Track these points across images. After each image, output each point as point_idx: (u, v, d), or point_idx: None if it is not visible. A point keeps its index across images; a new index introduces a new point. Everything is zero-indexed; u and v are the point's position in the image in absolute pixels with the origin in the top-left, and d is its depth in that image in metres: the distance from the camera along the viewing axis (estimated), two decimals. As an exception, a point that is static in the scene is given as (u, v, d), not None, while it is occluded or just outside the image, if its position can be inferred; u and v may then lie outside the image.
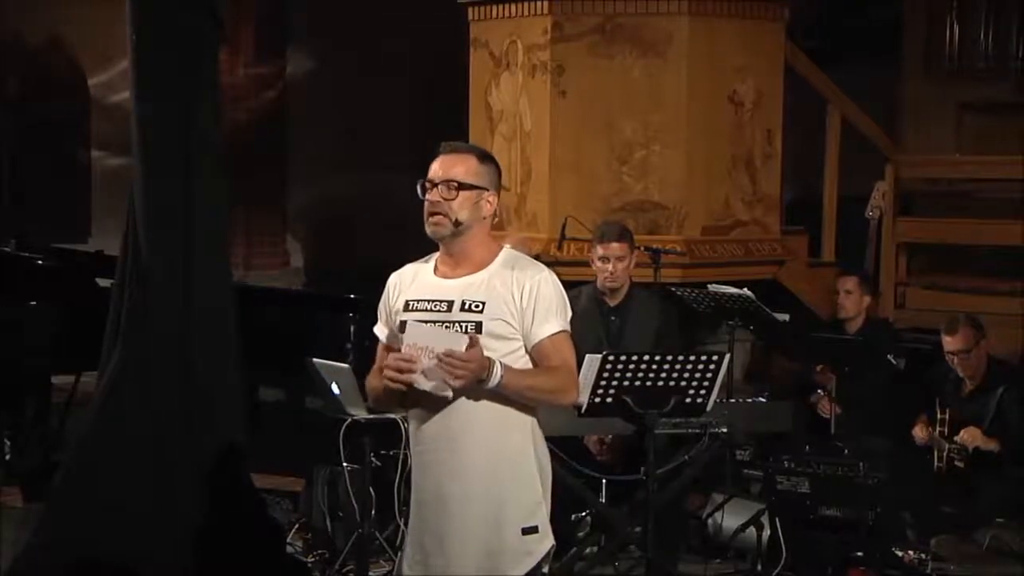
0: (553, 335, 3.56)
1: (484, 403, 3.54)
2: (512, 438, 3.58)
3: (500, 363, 3.49)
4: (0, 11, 9.84)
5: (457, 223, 3.56)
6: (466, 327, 3.54)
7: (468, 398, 3.53)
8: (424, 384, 3.48)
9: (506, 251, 3.65)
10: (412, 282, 3.67)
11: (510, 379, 3.50)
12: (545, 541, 3.59)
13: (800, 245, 7.95)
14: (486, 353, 3.48)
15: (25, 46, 10.08)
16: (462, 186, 3.56)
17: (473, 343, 3.44)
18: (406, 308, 3.63)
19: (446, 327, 3.54)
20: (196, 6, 5.27)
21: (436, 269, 3.66)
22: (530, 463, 3.59)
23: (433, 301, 3.61)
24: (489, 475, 3.55)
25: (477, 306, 3.56)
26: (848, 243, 8.08)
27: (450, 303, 3.58)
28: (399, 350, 3.52)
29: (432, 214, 3.58)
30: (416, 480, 3.66)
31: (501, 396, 3.53)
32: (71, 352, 6.69)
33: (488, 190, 3.59)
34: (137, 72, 5.27)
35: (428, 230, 3.60)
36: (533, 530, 3.57)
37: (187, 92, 5.25)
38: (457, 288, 3.60)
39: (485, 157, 3.63)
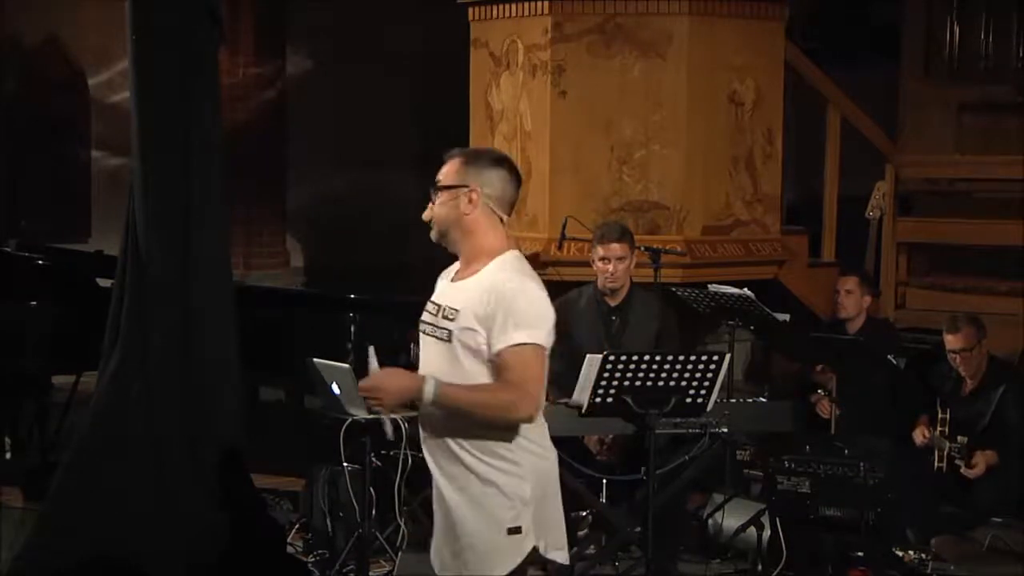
0: (514, 346, 3.45)
1: None
2: (496, 438, 3.54)
3: (435, 380, 3.46)
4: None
5: (440, 224, 3.60)
6: (442, 334, 3.56)
7: None
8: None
9: (503, 256, 3.58)
10: (440, 282, 3.72)
11: (448, 395, 3.47)
12: (527, 542, 3.55)
13: (800, 245, 7.95)
14: (451, 366, 3.51)
15: (24, 46, 10.07)
16: (441, 188, 3.60)
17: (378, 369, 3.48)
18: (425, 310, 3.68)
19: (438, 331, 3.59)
20: (195, 6, 5.27)
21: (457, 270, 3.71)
22: (514, 464, 3.55)
23: (434, 304, 3.63)
24: (476, 475, 3.55)
25: (452, 313, 3.55)
26: (848, 243, 8.09)
27: (440, 308, 3.59)
28: None
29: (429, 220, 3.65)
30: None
31: None
32: (71, 352, 6.69)
33: (466, 187, 3.57)
34: (137, 72, 5.27)
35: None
36: (517, 531, 3.54)
37: (187, 92, 5.26)
38: (450, 292, 3.61)
39: (473, 157, 3.63)
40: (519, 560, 3.56)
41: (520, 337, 3.45)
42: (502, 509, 3.54)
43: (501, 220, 3.61)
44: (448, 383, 3.49)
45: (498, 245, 3.60)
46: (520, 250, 3.70)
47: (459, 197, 3.58)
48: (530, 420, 3.52)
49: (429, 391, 3.46)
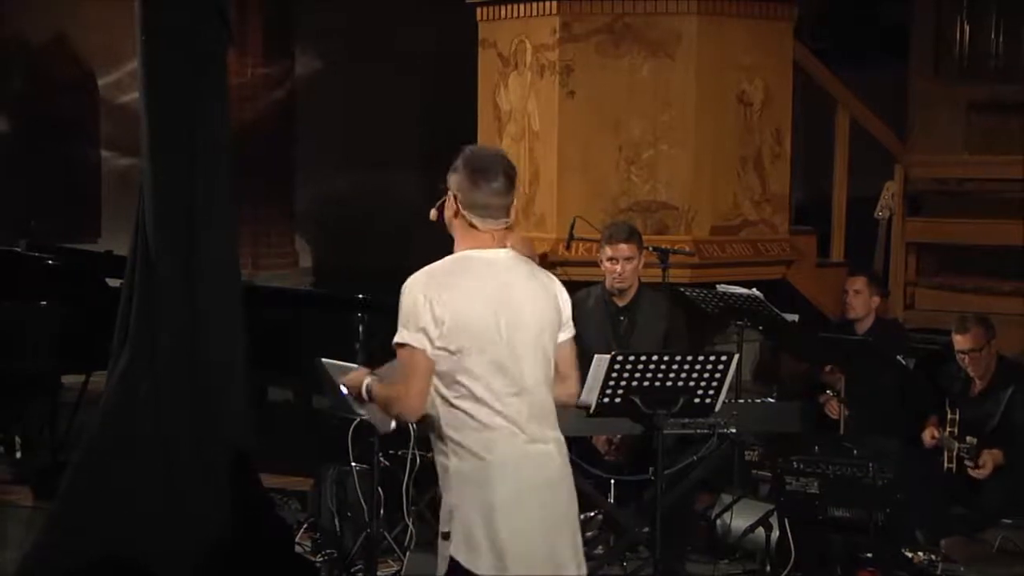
0: (395, 344, 3.54)
1: (429, 412, 3.56)
2: (437, 444, 3.59)
3: (371, 377, 3.66)
4: (7, 11, 9.86)
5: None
6: None
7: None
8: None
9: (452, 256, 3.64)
10: None
11: (371, 389, 3.66)
12: (449, 550, 3.52)
13: (809, 245, 7.95)
14: None
15: (33, 46, 10.09)
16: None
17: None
18: None
19: None
20: (204, 6, 5.27)
21: None
22: (444, 467, 3.56)
23: None
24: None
25: None
26: (857, 243, 8.08)
27: None
28: None
29: None
30: None
31: (431, 406, 3.54)
32: (81, 352, 6.70)
33: (448, 191, 3.61)
34: (146, 73, 5.28)
35: None
36: (447, 536, 3.54)
37: (195, 92, 5.26)
38: None
39: (456, 161, 3.62)
40: (444, 568, 3.55)
41: (396, 336, 3.54)
42: (441, 511, 3.61)
43: (472, 225, 3.58)
44: (376, 378, 3.66)
45: (459, 246, 3.62)
46: (527, 257, 3.75)
47: (448, 202, 3.62)
48: (410, 418, 3.57)
49: (364, 385, 3.67)
